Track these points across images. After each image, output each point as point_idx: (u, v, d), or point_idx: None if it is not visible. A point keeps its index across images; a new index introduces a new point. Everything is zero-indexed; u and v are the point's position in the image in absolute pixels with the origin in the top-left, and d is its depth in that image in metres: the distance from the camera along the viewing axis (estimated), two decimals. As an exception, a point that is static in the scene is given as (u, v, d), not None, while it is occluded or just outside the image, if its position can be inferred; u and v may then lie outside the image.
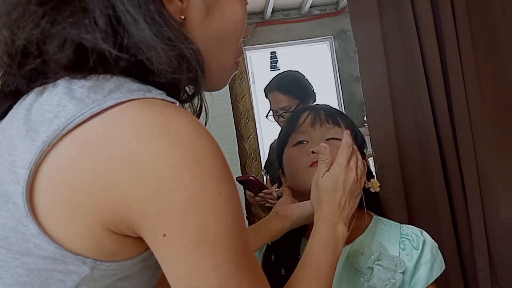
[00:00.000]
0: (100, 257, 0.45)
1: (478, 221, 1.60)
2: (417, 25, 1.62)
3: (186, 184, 0.43)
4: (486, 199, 1.61)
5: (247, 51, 4.63)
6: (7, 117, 0.50)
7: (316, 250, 0.70)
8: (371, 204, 0.97)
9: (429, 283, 0.91)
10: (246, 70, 2.69)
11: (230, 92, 2.63)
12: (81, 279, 0.45)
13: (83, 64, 0.47)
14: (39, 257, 0.44)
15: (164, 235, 0.43)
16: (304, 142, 0.93)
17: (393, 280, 0.87)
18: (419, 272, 0.91)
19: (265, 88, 2.04)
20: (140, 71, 0.48)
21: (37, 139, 0.43)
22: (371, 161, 3.72)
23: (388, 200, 1.63)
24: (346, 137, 0.81)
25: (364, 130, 4.34)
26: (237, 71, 0.65)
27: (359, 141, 0.96)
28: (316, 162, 0.83)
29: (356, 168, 0.79)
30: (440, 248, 0.96)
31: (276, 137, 2.16)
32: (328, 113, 0.95)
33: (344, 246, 0.91)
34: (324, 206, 0.76)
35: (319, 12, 4.87)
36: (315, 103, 2.02)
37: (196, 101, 0.58)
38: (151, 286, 0.54)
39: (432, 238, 0.97)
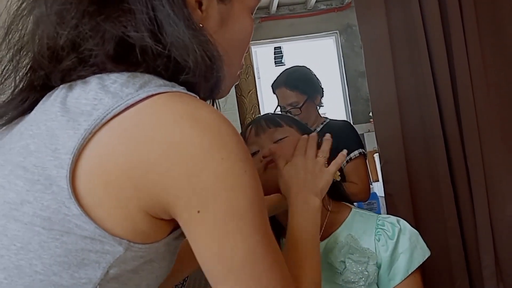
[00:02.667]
0: (134, 238, 0.49)
1: (483, 218, 1.60)
2: (424, 20, 1.61)
3: (216, 164, 0.47)
4: (492, 196, 1.60)
5: (252, 46, 4.62)
6: (36, 112, 0.54)
7: (296, 227, 0.75)
8: (335, 193, 0.98)
9: (409, 272, 0.90)
10: (251, 65, 2.69)
11: (235, 87, 2.63)
12: (114, 259, 0.48)
13: (124, 58, 0.52)
14: (78, 237, 0.47)
15: (198, 211, 0.48)
16: (256, 152, 0.96)
17: (366, 273, 0.86)
18: (397, 262, 0.90)
19: (272, 84, 2.03)
20: (169, 69, 0.53)
21: (78, 128, 0.47)
22: (376, 157, 3.70)
23: (393, 196, 1.63)
24: (300, 138, 0.89)
25: (369, 126, 4.31)
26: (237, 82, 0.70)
27: (306, 131, 1.00)
28: (268, 163, 0.89)
29: (316, 155, 0.86)
30: (421, 235, 0.95)
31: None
32: (267, 119, 1.01)
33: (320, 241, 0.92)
34: (292, 188, 0.82)
35: (324, 7, 4.85)
36: (323, 98, 2.01)
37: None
38: (166, 274, 0.58)
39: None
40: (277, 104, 2.00)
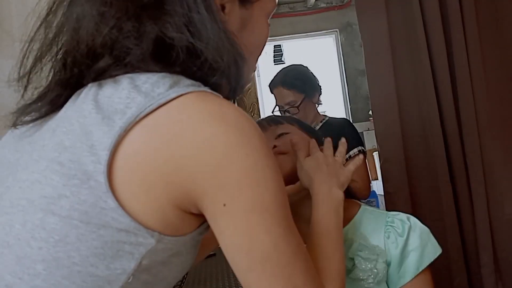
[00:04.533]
0: (164, 231, 0.51)
1: (482, 216, 1.60)
2: (424, 19, 1.61)
3: (241, 160, 0.50)
4: (491, 194, 1.61)
5: (252, 44, 4.61)
6: (67, 109, 0.56)
7: (321, 217, 0.77)
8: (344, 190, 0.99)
9: (419, 270, 0.89)
10: (251, 63, 2.69)
11: (235, 85, 2.63)
12: (147, 251, 0.50)
13: (159, 59, 0.55)
14: (114, 229, 0.49)
15: (224, 205, 0.50)
16: None
17: (375, 270, 0.85)
18: (408, 259, 0.89)
19: (269, 84, 2.03)
20: (202, 70, 0.56)
21: (114, 126, 0.50)
22: (375, 155, 3.70)
23: (392, 194, 1.63)
24: (310, 141, 0.92)
25: (369, 124, 4.31)
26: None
27: (307, 130, 1.02)
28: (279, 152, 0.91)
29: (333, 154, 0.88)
30: (434, 234, 0.94)
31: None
32: (268, 118, 1.04)
33: None
34: (315, 179, 0.84)
35: (325, 5, 4.84)
36: (321, 96, 2.01)
37: None
38: (188, 268, 0.60)
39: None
40: (275, 104, 2.00)
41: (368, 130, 4.03)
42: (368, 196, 1.83)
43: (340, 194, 0.81)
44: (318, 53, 4.87)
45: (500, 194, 1.61)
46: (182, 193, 0.50)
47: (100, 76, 0.56)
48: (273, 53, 5.00)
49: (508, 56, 1.63)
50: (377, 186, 2.49)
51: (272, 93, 2.01)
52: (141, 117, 0.50)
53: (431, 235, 0.93)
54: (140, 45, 0.54)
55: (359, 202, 1.00)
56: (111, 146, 0.49)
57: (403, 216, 0.94)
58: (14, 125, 0.61)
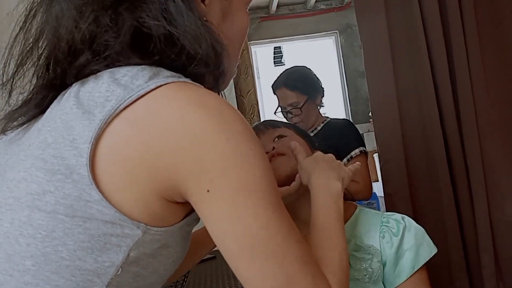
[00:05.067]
0: (150, 222, 0.51)
1: (483, 217, 1.60)
2: (424, 20, 1.61)
3: (222, 144, 0.50)
4: (492, 196, 1.60)
5: (251, 46, 4.62)
6: (52, 109, 0.57)
7: (320, 208, 0.76)
8: None
9: (415, 269, 0.89)
10: (251, 65, 2.69)
11: (235, 87, 2.62)
12: (134, 243, 0.51)
13: (138, 49, 0.56)
14: (100, 222, 0.49)
15: (208, 190, 0.50)
16: None
17: (370, 270, 0.86)
18: (403, 259, 0.89)
19: (272, 85, 2.03)
20: (181, 59, 0.56)
21: (94, 119, 0.50)
22: (376, 157, 3.69)
23: (393, 196, 1.63)
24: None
25: (369, 126, 4.30)
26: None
27: (303, 134, 1.03)
28: (271, 157, 0.92)
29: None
30: (435, 235, 0.95)
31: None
32: (265, 122, 1.06)
33: None
34: (313, 174, 0.84)
35: (324, 7, 4.85)
36: (324, 98, 2.01)
37: None
38: (180, 260, 0.60)
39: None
40: (277, 105, 2.00)
41: (368, 131, 4.03)
42: (370, 196, 1.83)
43: (339, 186, 0.81)
44: (318, 55, 4.88)
45: (500, 195, 1.61)
46: (166, 182, 0.50)
47: (81, 72, 0.56)
48: (273, 55, 5.01)
49: (507, 57, 1.63)
50: (378, 188, 2.49)
51: (275, 94, 2.02)
52: (121, 109, 0.50)
53: (426, 234, 0.94)
54: (118, 37, 0.55)
55: (355, 203, 1.01)
56: (92, 139, 0.49)
57: (398, 216, 0.95)
58: (3, 131, 0.61)
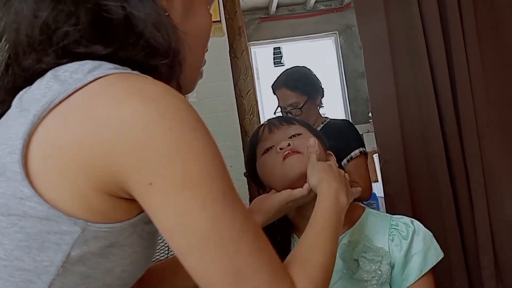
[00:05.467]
0: (91, 218, 0.49)
1: (482, 218, 1.60)
2: (423, 21, 1.61)
3: (164, 134, 0.47)
4: (491, 196, 1.60)
5: (251, 47, 4.62)
6: (6, 114, 0.56)
7: (321, 216, 0.74)
8: None
9: (423, 273, 0.90)
10: (250, 66, 2.69)
11: (234, 88, 2.62)
12: (74, 240, 0.49)
13: (97, 37, 0.53)
14: (35, 219, 0.48)
15: (150, 183, 0.47)
16: (271, 148, 0.97)
17: (379, 272, 0.86)
18: (411, 262, 0.90)
19: (272, 85, 2.03)
20: (139, 48, 0.54)
21: (28, 115, 0.49)
22: (375, 157, 3.70)
23: (392, 196, 1.63)
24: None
25: (369, 126, 4.30)
26: (201, 78, 0.72)
27: (317, 134, 1.02)
28: (288, 154, 0.90)
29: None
30: (435, 236, 0.95)
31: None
32: (280, 118, 1.04)
33: None
34: (326, 179, 0.83)
35: (324, 8, 4.85)
36: (323, 98, 2.01)
37: None
38: (147, 260, 0.58)
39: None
40: (277, 105, 2.00)
41: (368, 132, 4.03)
42: (369, 197, 1.83)
43: (346, 201, 0.80)
44: (318, 55, 4.88)
45: (500, 196, 1.61)
46: (105, 176, 0.48)
47: (32, 72, 0.55)
48: (272, 56, 5.01)
49: (507, 57, 1.63)
50: (377, 188, 2.49)
51: (274, 94, 2.02)
52: (56, 104, 0.48)
53: (434, 239, 0.95)
54: (78, 24, 0.52)
55: (363, 205, 1.01)
56: (25, 135, 0.48)
57: (407, 219, 0.95)
58: None
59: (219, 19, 2.60)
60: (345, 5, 4.76)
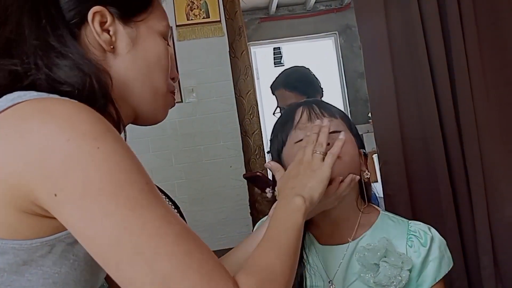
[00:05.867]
0: (5, 235, 0.51)
1: (482, 219, 1.59)
2: (423, 21, 1.61)
3: (62, 145, 0.49)
4: (491, 197, 1.60)
5: (251, 47, 4.62)
6: None
7: (274, 224, 0.72)
8: (365, 195, 0.98)
9: (437, 280, 0.91)
10: (250, 66, 2.69)
11: (234, 88, 2.62)
12: None
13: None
14: None
15: (55, 194, 0.49)
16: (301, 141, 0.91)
17: (399, 277, 0.86)
18: (427, 269, 0.91)
19: (271, 85, 2.03)
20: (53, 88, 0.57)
21: None
22: (375, 158, 3.70)
23: (392, 197, 1.62)
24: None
25: (368, 127, 4.31)
26: (174, 105, 0.74)
27: (354, 132, 0.97)
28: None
29: (312, 153, 0.81)
30: (447, 245, 0.96)
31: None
32: (322, 107, 0.96)
33: (350, 241, 0.92)
34: (279, 186, 0.82)
35: (324, 8, 4.85)
36: (323, 98, 2.00)
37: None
38: (79, 282, 0.57)
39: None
40: (276, 105, 2.00)
41: (368, 132, 4.03)
42: (369, 197, 1.83)
43: (298, 202, 0.74)
44: (318, 56, 4.88)
45: (499, 196, 1.61)
46: (12, 192, 0.50)
47: None
48: (272, 56, 5.01)
49: (507, 59, 1.63)
50: (377, 189, 2.49)
51: (273, 94, 2.02)
52: None
53: (447, 247, 0.95)
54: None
55: (377, 207, 1.01)
56: None
57: (424, 226, 0.96)
58: None
59: (219, 19, 2.60)
60: (345, 5, 4.76)
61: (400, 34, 1.63)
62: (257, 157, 2.59)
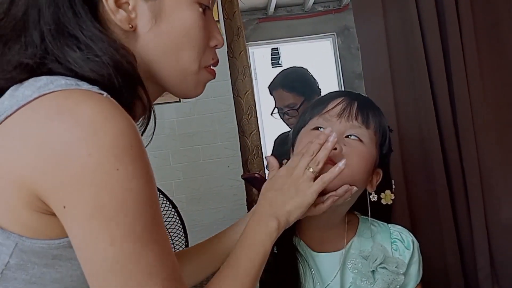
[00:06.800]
0: (25, 233, 0.50)
1: (479, 220, 1.60)
2: (421, 22, 1.61)
3: (82, 158, 0.47)
4: (488, 198, 1.61)
5: (249, 47, 4.62)
6: None
7: (241, 248, 0.69)
8: (379, 214, 0.95)
9: (417, 282, 0.92)
10: (248, 66, 2.69)
11: (232, 88, 2.62)
12: (11, 251, 0.50)
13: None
14: None
15: (64, 207, 0.48)
16: (319, 128, 0.86)
17: (396, 282, 0.86)
18: (409, 271, 0.91)
19: (269, 86, 2.03)
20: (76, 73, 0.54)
21: None
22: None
23: (389, 198, 1.63)
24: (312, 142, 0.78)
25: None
26: (213, 78, 0.66)
27: (380, 148, 0.89)
28: (328, 162, 0.77)
29: (305, 168, 0.74)
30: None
31: (280, 133, 2.16)
32: (361, 108, 0.87)
33: (343, 249, 0.90)
34: (263, 190, 0.77)
35: (322, 9, 4.85)
36: None
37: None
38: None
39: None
40: (274, 106, 2.00)
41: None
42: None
43: (272, 226, 0.70)
44: (315, 56, 4.88)
45: (497, 198, 1.61)
46: (29, 194, 0.49)
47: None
48: (270, 56, 5.01)
49: (505, 59, 1.63)
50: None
51: (271, 95, 2.02)
52: (2, 120, 0.50)
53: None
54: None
55: (355, 213, 0.99)
56: None
57: (403, 229, 0.97)
58: None
59: (217, 19, 2.60)
60: (343, 6, 4.77)
61: (398, 35, 1.64)
62: (255, 157, 2.59)
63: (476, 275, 1.61)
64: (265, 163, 2.34)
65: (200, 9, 0.61)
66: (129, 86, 0.55)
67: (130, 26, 0.57)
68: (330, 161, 0.77)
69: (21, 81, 0.54)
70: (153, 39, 0.58)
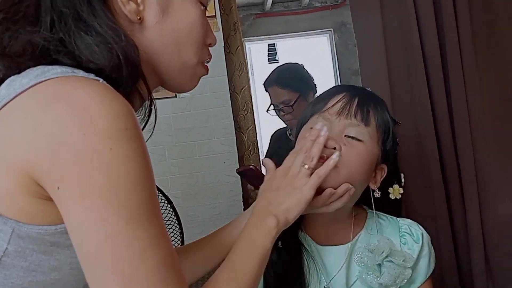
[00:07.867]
0: (22, 219, 0.51)
1: (474, 217, 1.61)
2: (418, 19, 1.61)
3: (76, 140, 0.47)
4: (483, 195, 1.61)
5: (246, 43, 4.61)
6: None
7: (240, 248, 0.68)
8: (388, 208, 0.95)
9: (427, 276, 0.91)
10: (245, 62, 2.68)
11: (228, 84, 2.61)
12: (8, 237, 0.51)
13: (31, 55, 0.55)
14: None
15: (58, 188, 0.48)
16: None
17: (403, 276, 0.86)
18: (419, 265, 0.90)
19: (264, 82, 2.03)
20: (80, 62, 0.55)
21: None
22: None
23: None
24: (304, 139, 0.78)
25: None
26: (206, 74, 0.70)
27: (383, 145, 0.88)
28: (324, 159, 0.76)
29: (300, 165, 0.74)
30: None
31: (276, 129, 2.15)
32: (361, 104, 0.85)
33: (349, 242, 0.90)
34: (260, 191, 0.76)
35: (319, 5, 4.84)
36: (316, 95, 2.00)
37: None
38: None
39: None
40: (270, 102, 2.00)
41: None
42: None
43: (271, 223, 0.69)
44: (312, 53, 4.88)
45: (492, 195, 1.62)
46: (24, 177, 0.49)
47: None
48: (267, 52, 5.00)
49: (501, 57, 1.64)
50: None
51: (267, 91, 2.01)
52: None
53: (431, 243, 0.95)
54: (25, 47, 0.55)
55: (364, 207, 0.98)
56: None
57: (413, 223, 0.95)
58: None
59: (214, 14, 2.59)
60: (340, 2, 4.76)
61: (395, 31, 1.64)
62: (251, 153, 2.59)
63: (471, 271, 1.62)
64: (261, 158, 2.33)
65: (202, 8, 0.65)
66: (132, 77, 0.56)
67: (138, 17, 0.59)
68: (326, 159, 0.76)
69: (25, 69, 0.54)
70: (159, 32, 0.61)
